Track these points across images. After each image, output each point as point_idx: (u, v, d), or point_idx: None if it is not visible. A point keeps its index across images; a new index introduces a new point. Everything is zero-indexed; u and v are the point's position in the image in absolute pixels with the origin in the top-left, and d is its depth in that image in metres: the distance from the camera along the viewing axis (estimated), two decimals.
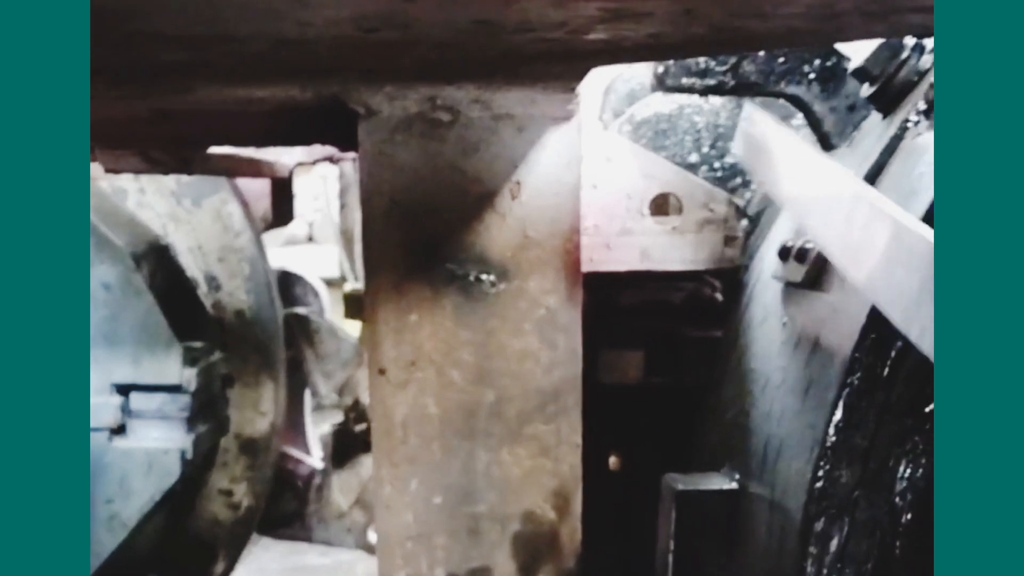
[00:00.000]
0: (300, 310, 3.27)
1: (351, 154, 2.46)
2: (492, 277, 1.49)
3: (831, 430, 1.09)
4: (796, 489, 1.13)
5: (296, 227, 6.60)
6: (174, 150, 1.64)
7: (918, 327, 0.84)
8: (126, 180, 2.95)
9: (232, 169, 1.95)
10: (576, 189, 1.47)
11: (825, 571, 1.09)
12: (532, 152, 1.46)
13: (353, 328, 3.47)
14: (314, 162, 2.50)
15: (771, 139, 1.49)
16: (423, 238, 1.49)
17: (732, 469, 1.38)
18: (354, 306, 2.97)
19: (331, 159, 2.49)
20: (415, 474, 1.54)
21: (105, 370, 2.60)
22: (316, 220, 6.92)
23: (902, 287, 0.88)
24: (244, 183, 3.10)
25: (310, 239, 6.94)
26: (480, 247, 1.48)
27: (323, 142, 1.70)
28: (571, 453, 1.54)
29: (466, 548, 1.56)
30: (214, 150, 1.79)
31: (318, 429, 3.42)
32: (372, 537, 3.30)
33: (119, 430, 2.62)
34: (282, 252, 4.34)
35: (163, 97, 1.49)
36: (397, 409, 1.53)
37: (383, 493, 1.55)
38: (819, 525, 1.10)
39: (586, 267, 1.54)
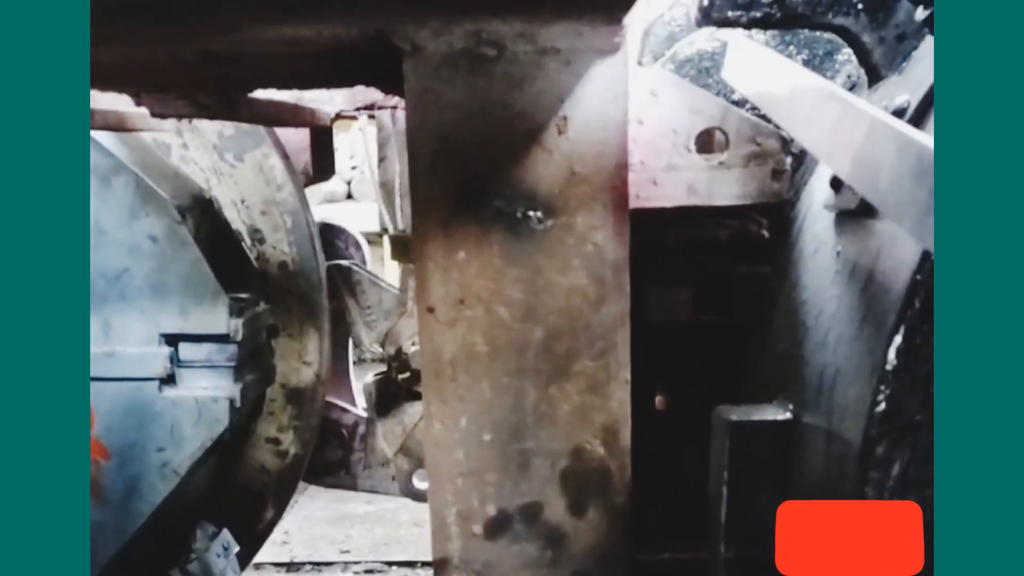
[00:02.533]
0: (342, 262, 3.29)
1: (393, 100, 2.46)
2: (539, 214, 1.49)
3: (892, 355, 1.09)
4: (855, 415, 1.12)
5: (335, 184, 6.63)
6: (220, 93, 1.65)
7: (928, 236, 0.84)
8: (169, 135, 2.96)
9: (276, 116, 1.96)
10: (623, 123, 1.46)
11: (886, 496, 1.09)
12: (578, 86, 1.45)
13: (393, 278, 3.48)
14: (356, 110, 2.50)
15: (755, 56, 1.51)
16: (470, 176, 1.49)
17: (785, 400, 1.37)
18: (400, 248, 2.98)
19: (371, 108, 2.49)
20: (465, 411, 1.56)
21: (153, 321, 2.64)
22: (354, 177, 6.94)
23: (911, 197, 0.87)
24: (285, 137, 3.10)
25: (349, 196, 6.97)
26: (527, 183, 1.48)
27: (367, 83, 1.69)
28: (620, 389, 1.55)
29: (516, 484, 1.58)
30: (259, 94, 1.80)
31: (361, 379, 3.45)
32: (417, 484, 3.33)
33: (169, 380, 2.66)
34: (321, 209, 4.34)
35: (209, 38, 1.49)
36: (446, 347, 1.54)
37: (434, 431, 1.57)
38: (880, 450, 1.10)
39: (632, 203, 1.54)
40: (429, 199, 1.50)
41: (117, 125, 2.04)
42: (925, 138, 0.89)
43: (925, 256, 1.07)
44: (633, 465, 1.59)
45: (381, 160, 3.35)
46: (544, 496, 1.58)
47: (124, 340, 2.64)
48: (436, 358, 1.54)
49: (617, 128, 1.46)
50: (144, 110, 2.08)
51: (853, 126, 1.06)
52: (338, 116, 2.76)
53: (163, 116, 1.68)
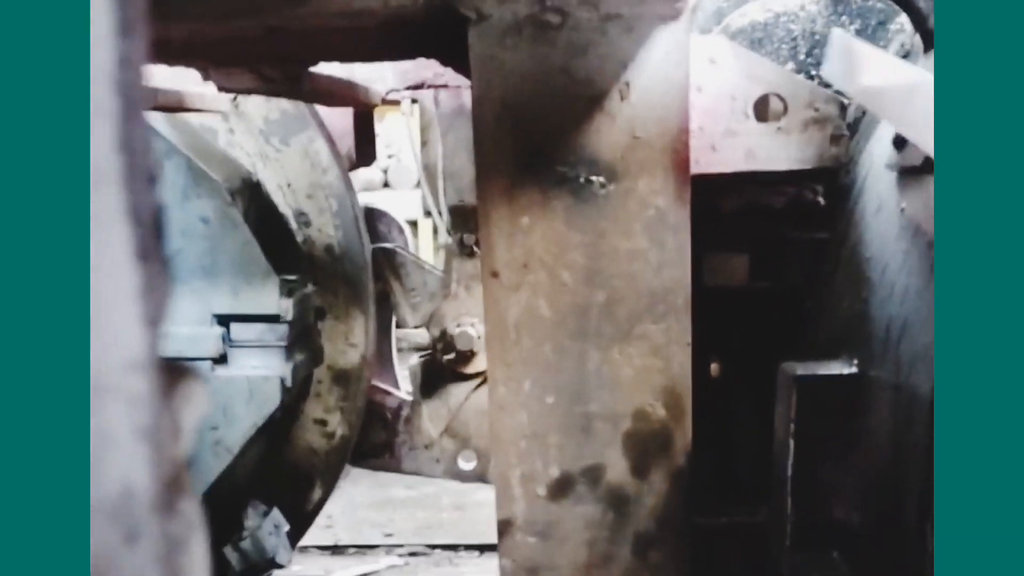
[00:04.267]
0: (387, 244, 3.33)
1: (443, 79, 2.49)
2: (602, 178, 1.51)
3: None
4: (925, 363, 1.14)
5: (371, 172, 6.67)
6: (285, 67, 1.69)
7: None
8: (215, 119, 3.01)
9: (333, 93, 1.99)
10: (684, 89, 1.49)
11: None
12: (641, 52, 1.47)
13: (436, 261, 3.52)
14: (406, 88, 2.54)
15: (859, 53, 1.49)
16: (533, 141, 1.51)
17: (850, 356, 1.39)
18: (459, 217, 3.01)
19: (421, 87, 2.52)
20: (528, 375, 1.58)
21: (205, 301, 2.68)
22: (391, 165, 6.99)
23: None
24: (328, 121, 3.15)
25: (385, 185, 7.02)
26: (590, 149, 1.51)
27: (428, 55, 1.73)
28: (681, 352, 1.57)
29: (579, 446, 1.60)
30: (318, 70, 1.83)
31: (406, 361, 3.49)
32: (462, 465, 3.37)
33: (221, 359, 2.70)
34: (359, 197, 4.38)
35: (276, 12, 1.53)
36: (510, 311, 1.56)
37: (497, 394, 1.60)
38: None
39: (692, 169, 1.56)
40: (493, 166, 1.53)
41: (176, 104, 2.08)
42: None
43: None
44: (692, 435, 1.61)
45: (424, 144, 3.39)
46: (606, 458, 1.60)
47: (177, 320, 2.69)
48: (500, 322, 1.57)
49: (679, 93, 1.49)
50: (200, 89, 2.13)
51: None
52: (387, 99, 2.79)
53: (230, 91, 1.72)
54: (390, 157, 6.81)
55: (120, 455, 0.35)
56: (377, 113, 3.66)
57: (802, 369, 1.39)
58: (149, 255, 0.38)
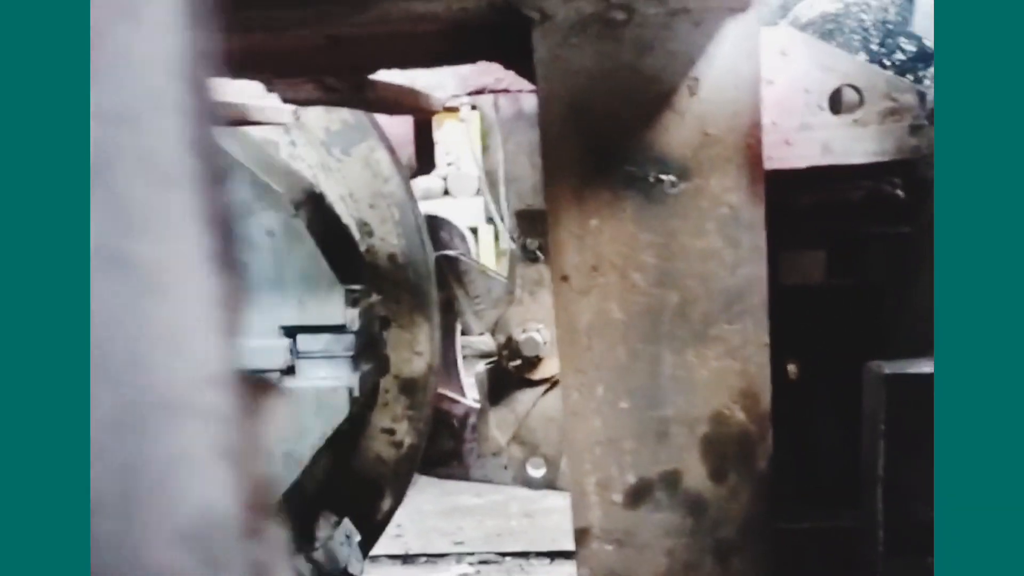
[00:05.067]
0: (450, 252, 3.32)
1: (503, 83, 2.47)
2: (672, 177, 1.48)
3: None
4: None
5: (431, 181, 6.69)
6: (347, 76, 1.68)
7: None
8: (276, 132, 3.03)
9: (396, 101, 1.98)
10: (755, 82, 1.45)
11: None
12: (709, 46, 1.44)
13: (498, 267, 3.51)
14: (467, 94, 2.52)
15: None
16: (601, 141, 1.48)
17: None
18: (527, 221, 2.99)
19: (481, 92, 2.51)
20: (601, 380, 1.55)
21: (272, 313, 2.69)
22: (450, 173, 7.01)
23: None
24: (389, 130, 3.15)
25: (445, 193, 7.03)
26: (659, 147, 1.47)
27: (490, 58, 1.70)
28: (758, 353, 1.53)
29: (655, 452, 1.57)
30: (381, 77, 1.82)
31: (471, 368, 3.48)
32: (531, 472, 3.35)
33: (289, 371, 2.71)
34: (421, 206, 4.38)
35: (338, 20, 1.52)
36: (581, 315, 1.53)
37: (570, 400, 1.57)
38: None
39: (766, 165, 1.51)
40: (561, 167, 1.50)
41: (240, 118, 2.09)
42: None
43: None
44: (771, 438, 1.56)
45: (484, 150, 3.38)
46: (683, 463, 1.56)
47: (246, 333, 2.70)
48: (571, 327, 1.54)
49: (750, 87, 1.45)
50: (262, 103, 2.13)
51: None
52: (448, 106, 2.78)
53: (294, 102, 1.72)
54: (449, 165, 6.82)
55: (200, 477, 0.33)
56: (435, 120, 3.66)
57: (891, 368, 1.34)
58: (226, 262, 0.35)
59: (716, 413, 1.55)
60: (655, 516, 1.58)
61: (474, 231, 6.12)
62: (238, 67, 1.65)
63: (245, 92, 2.04)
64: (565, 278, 1.53)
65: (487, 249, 6.24)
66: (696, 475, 1.57)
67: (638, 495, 1.58)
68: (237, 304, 0.37)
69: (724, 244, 1.50)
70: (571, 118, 1.48)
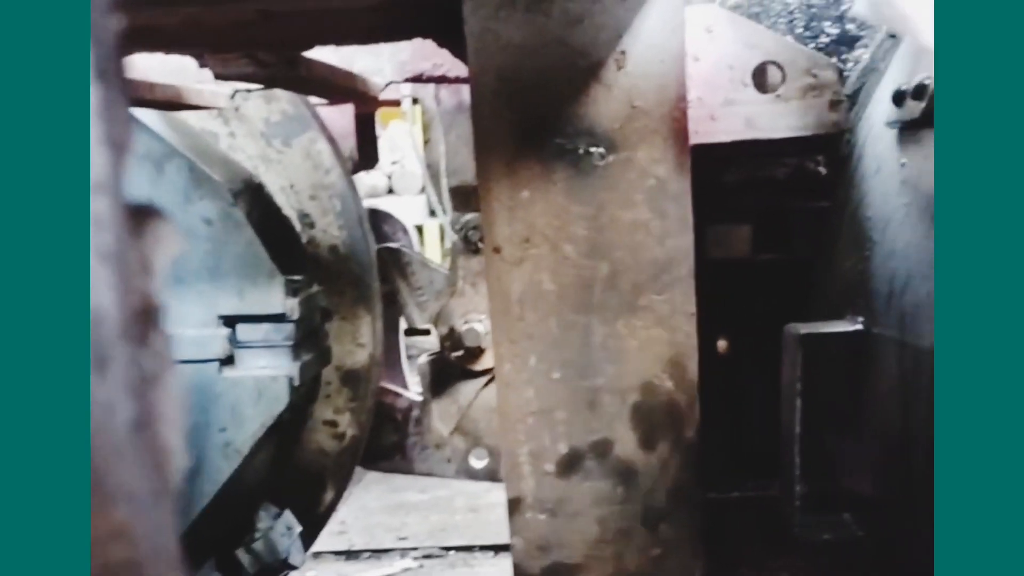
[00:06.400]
0: (392, 244, 3.33)
1: (441, 70, 2.49)
2: (601, 149, 1.51)
3: None
4: (930, 312, 1.13)
5: (375, 179, 6.69)
6: (280, 52, 1.69)
7: None
8: (216, 123, 3.02)
9: (331, 81, 1.99)
10: (681, 56, 1.48)
11: None
12: (636, 20, 1.47)
13: (436, 255, 3.52)
14: (404, 80, 2.53)
15: None
16: (532, 114, 1.51)
17: (855, 315, 1.38)
18: (461, 197, 3.01)
19: (419, 78, 2.52)
20: (533, 350, 1.57)
21: (211, 303, 2.67)
22: (395, 172, 7.01)
23: None
24: (330, 122, 3.15)
25: (390, 191, 7.03)
26: (588, 120, 1.50)
27: (424, 35, 1.72)
28: (686, 322, 1.56)
29: (586, 421, 1.59)
30: (315, 56, 1.83)
31: (415, 360, 3.49)
32: (474, 463, 3.36)
33: (228, 360, 2.69)
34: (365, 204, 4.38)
35: None
36: (513, 286, 1.56)
37: (503, 371, 1.59)
38: None
39: (692, 139, 1.55)
40: (492, 140, 1.53)
41: (174, 99, 2.08)
42: None
43: None
44: (699, 407, 1.59)
45: (426, 143, 3.40)
46: (614, 432, 1.59)
47: (183, 323, 2.68)
48: (504, 298, 1.56)
49: (675, 60, 1.48)
50: (198, 85, 2.13)
51: None
52: (387, 99, 2.78)
53: (226, 78, 1.72)
54: (394, 164, 6.83)
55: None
56: (381, 120, 3.66)
57: (806, 328, 1.38)
58: (106, 74, 0.36)
59: (646, 382, 1.58)
60: (586, 485, 1.60)
61: (420, 229, 6.13)
62: (169, 41, 1.65)
63: (180, 74, 2.03)
64: (497, 249, 1.55)
65: (433, 246, 6.25)
66: (626, 444, 1.59)
67: (570, 464, 1.60)
68: (121, 117, 0.38)
69: (652, 215, 1.53)
70: (501, 91, 1.50)
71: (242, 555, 2.85)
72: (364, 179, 6.28)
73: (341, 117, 3.36)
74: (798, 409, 1.36)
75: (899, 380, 1.23)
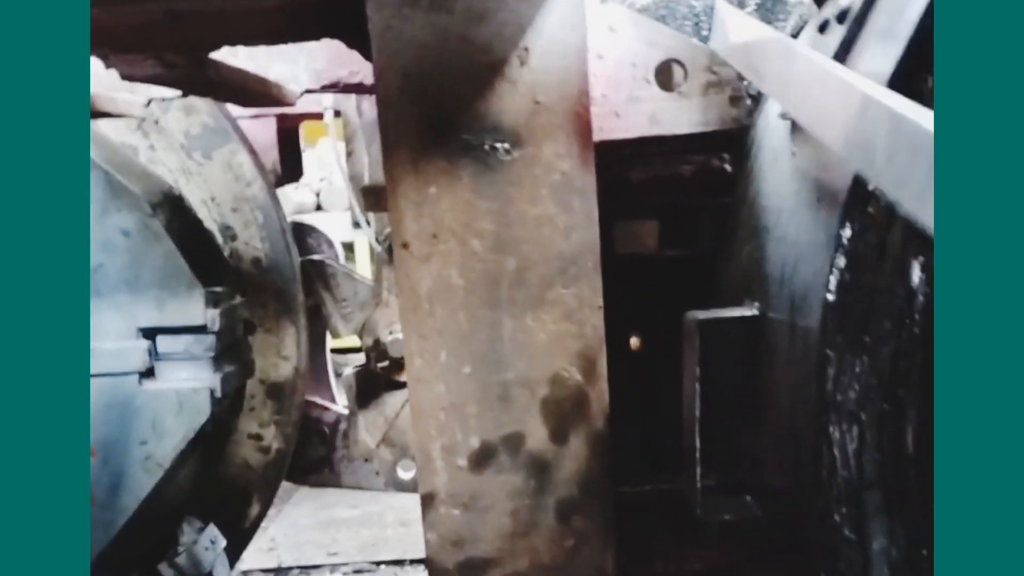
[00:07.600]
0: (315, 256, 3.32)
1: (358, 77, 2.50)
2: (506, 145, 1.53)
3: (847, 231, 1.13)
4: (816, 289, 1.16)
5: (303, 196, 6.66)
6: (188, 53, 1.68)
7: (927, 212, 0.84)
8: (135, 136, 3.00)
9: (242, 85, 1.99)
10: (582, 51, 1.51)
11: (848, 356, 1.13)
12: (538, 17, 1.50)
13: (367, 270, 3.52)
14: (321, 88, 2.54)
15: (750, 32, 1.53)
16: (437, 111, 1.52)
17: (752, 300, 1.42)
18: (372, 197, 3.01)
19: (336, 86, 2.52)
20: (444, 345, 1.59)
21: (130, 315, 2.64)
22: (323, 188, 6.98)
23: (908, 176, 0.87)
24: (252, 135, 3.14)
25: (318, 208, 7.00)
26: (493, 116, 1.52)
27: (331, 35, 1.73)
28: (593, 315, 1.58)
29: (498, 415, 1.60)
30: (224, 59, 1.83)
31: (341, 373, 3.48)
32: (401, 474, 3.35)
33: (148, 373, 2.66)
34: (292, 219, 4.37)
35: None
36: (422, 282, 1.57)
37: (414, 366, 1.59)
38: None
39: (596, 136, 1.58)
40: (398, 137, 1.54)
41: (90, 109, 2.06)
42: (921, 115, 0.87)
43: None
44: (612, 404, 1.61)
45: (349, 155, 3.40)
46: (526, 426, 1.61)
47: (102, 336, 2.64)
48: (413, 293, 1.57)
49: (577, 56, 1.51)
50: (112, 93, 2.11)
51: (845, 101, 1.03)
52: (309, 114, 2.79)
53: (133, 79, 1.71)
54: (323, 180, 6.81)
55: None
56: (308, 137, 3.66)
57: (704, 315, 1.41)
58: None
59: (555, 375, 1.60)
60: (499, 479, 1.62)
61: (350, 247, 6.11)
62: None
63: (94, 82, 2.02)
64: (406, 245, 1.56)
65: (363, 261, 6.23)
66: (537, 437, 1.61)
67: (482, 458, 1.61)
68: None
69: (558, 210, 1.55)
70: (406, 88, 1.52)
71: (165, 569, 2.81)
72: (292, 196, 6.26)
73: (264, 130, 3.36)
74: (698, 394, 1.39)
75: (789, 359, 1.26)
